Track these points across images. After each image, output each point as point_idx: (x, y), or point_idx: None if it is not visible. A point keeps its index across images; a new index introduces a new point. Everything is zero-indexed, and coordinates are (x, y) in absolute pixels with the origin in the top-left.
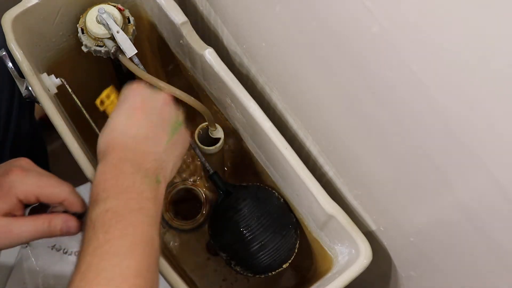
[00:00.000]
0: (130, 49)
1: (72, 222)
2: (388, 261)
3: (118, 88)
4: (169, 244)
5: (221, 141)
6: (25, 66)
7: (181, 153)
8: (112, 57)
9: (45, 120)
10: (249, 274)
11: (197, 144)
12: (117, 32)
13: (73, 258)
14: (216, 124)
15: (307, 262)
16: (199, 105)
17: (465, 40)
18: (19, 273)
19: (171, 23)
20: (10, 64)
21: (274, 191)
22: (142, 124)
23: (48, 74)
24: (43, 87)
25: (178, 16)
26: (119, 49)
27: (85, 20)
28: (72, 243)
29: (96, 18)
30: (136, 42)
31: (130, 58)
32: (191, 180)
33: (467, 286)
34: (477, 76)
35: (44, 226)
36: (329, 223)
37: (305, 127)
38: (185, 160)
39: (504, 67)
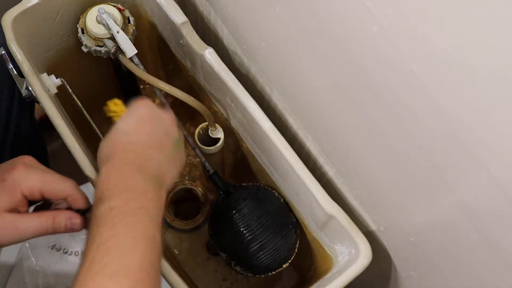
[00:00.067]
0: (130, 49)
1: (76, 219)
2: (388, 261)
3: (120, 90)
4: (169, 244)
5: (221, 141)
6: (25, 66)
7: (178, 169)
8: (112, 57)
9: (45, 120)
10: (249, 274)
11: (197, 144)
12: (117, 32)
13: (73, 258)
14: (216, 124)
15: (307, 262)
16: (199, 105)
17: (465, 40)
18: (19, 273)
19: (171, 23)
20: (10, 64)
21: (274, 191)
22: (148, 133)
23: (48, 74)
24: (43, 87)
25: (178, 16)
26: (119, 49)
27: (85, 20)
28: (72, 243)
29: (96, 18)
30: (136, 42)
31: (130, 58)
32: (189, 180)
33: (467, 286)
34: (477, 76)
35: (48, 222)
36: (329, 223)
37: (305, 127)
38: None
39: (504, 67)
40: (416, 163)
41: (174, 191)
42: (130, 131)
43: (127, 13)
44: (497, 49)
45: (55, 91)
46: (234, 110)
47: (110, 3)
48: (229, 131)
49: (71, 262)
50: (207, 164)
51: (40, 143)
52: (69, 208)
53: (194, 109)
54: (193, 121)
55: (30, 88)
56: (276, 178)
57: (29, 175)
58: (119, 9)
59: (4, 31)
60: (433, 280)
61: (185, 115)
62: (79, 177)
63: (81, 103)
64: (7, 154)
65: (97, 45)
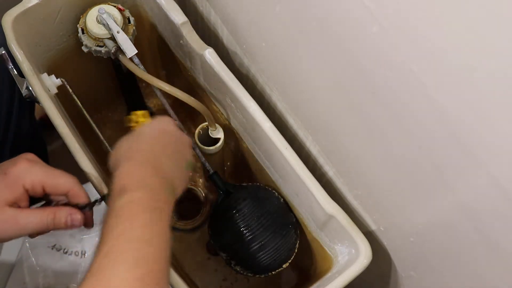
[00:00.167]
0: (130, 49)
1: (77, 215)
2: (388, 261)
3: (120, 90)
4: None
5: (221, 141)
6: (26, 66)
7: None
8: (112, 57)
9: (45, 120)
10: (249, 274)
11: (197, 144)
12: (117, 32)
13: (73, 258)
14: (216, 124)
15: (307, 262)
16: (199, 105)
17: (465, 40)
18: (19, 272)
19: (171, 23)
20: (10, 64)
21: (274, 191)
22: (168, 145)
23: (49, 74)
24: (43, 87)
25: (178, 16)
26: (119, 49)
27: (85, 20)
28: (72, 243)
29: (96, 18)
30: (136, 42)
31: (130, 58)
32: (189, 180)
33: (467, 286)
34: (477, 76)
35: (49, 218)
36: (329, 223)
37: (305, 127)
38: None
39: (504, 67)
40: (416, 163)
41: None
42: (152, 138)
43: (127, 13)
44: (497, 49)
45: (55, 91)
46: (234, 110)
47: (110, 3)
48: (229, 131)
49: (71, 262)
50: (207, 164)
51: (40, 143)
52: (66, 204)
53: (194, 109)
54: (193, 121)
55: (30, 88)
56: (276, 178)
57: (32, 169)
58: (119, 9)
59: (4, 31)
60: (433, 280)
61: (185, 115)
62: (79, 177)
63: (81, 103)
64: (7, 154)
65: (97, 45)
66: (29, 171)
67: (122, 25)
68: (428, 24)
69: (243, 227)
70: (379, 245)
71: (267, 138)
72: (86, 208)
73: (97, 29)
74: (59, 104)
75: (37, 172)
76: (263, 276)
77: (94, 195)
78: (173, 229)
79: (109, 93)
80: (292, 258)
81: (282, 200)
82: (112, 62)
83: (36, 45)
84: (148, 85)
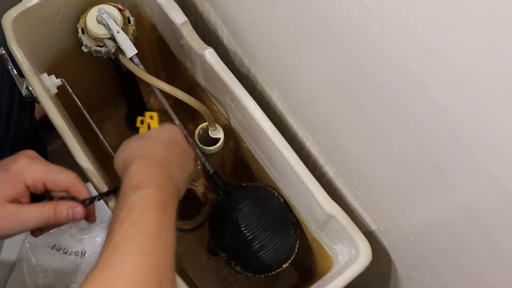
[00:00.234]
0: (130, 49)
1: (78, 208)
2: (388, 261)
3: (120, 90)
4: None
5: (221, 141)
6: (26, 66)
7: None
8: (112, 57)
9: (45, 120)
10: (249, 274)
11: (197, 144)
12: (117, 32)
13: (73, 258)
14: (216, 124)
15: (307, 262)
16: (199, 105)
17: (465, 40)
18: (19, 272)
19: (171, 23)
20: (10, 64)
21: (274, 191)
22: (177, 155)
23: (49, 74)
24: (43, 87)
25: (178, 16)
26: (119, 49)
27: (85, 20)
28: (72, 243)
29: (96, 18)
30: (136, 42)
31: (130, 58)
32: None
33: (467, 286)
34: (477, 76)
35: (50, 212)
36: (329, 223)
37: (305, 127)
38: None
39: (504, 67)
40: (416, 163)
41: None
42: (165, 145)
43: (127, 13)
44: (497, 49)
45: (55, 91)
46: (234, 110)
47: (110, 3)
48: (229, 131)
49: (71, 262)
50: (207, 164)
51: (40, 143)
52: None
53: (194, 109)
54: (193, 121)
55: (30, 88)
56: (276, 178)
57: (32, 166)
58: (119, 9)
59: (4, 31)
60: (433, 280)
61: (185, 115)
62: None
63: (81, 103)
64: (7, 154)
65: (97, 45)
66: (29, 167)
67: (122, 25)
68: (428, 24)
69: (243, 227)
70: (379, 245)
71: (267, 138)
72: (88, 202)
73: (97, 29)
74: (59, 104)
75: (38, 169)
76: (263, 276)
77: (94, 194)
78: None
79: (109, 93)
80: (292, 258)
81: (282, 200)
82: (112, 62)
83: (36, 45)
84: (148, 85)
